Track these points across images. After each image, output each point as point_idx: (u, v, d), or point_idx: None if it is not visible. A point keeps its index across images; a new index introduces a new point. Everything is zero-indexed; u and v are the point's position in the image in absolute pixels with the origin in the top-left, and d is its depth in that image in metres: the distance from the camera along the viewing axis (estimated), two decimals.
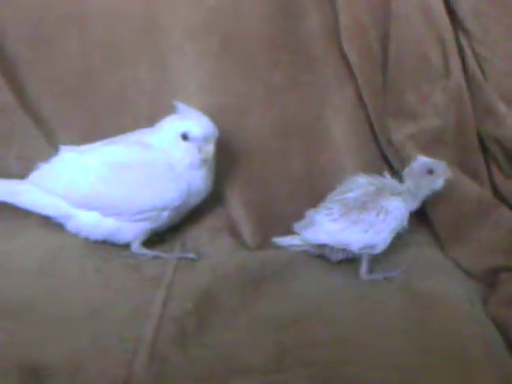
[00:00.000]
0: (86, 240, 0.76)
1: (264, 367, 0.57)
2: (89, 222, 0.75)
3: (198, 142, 0.73)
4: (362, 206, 0.71)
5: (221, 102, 0.83)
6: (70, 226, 0.76)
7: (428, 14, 0.81)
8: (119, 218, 0.74)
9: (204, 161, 0.74)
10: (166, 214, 0.75)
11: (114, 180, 0.73)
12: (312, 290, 0.69)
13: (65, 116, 0.85)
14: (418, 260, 0.75)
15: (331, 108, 0.85)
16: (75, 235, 0.76)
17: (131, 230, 0.75)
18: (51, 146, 0.83)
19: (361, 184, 0.74)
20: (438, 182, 0.72)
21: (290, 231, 0.75)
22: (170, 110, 0.78)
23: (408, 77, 0.82)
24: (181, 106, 0.75)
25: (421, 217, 0.79)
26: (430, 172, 0.72)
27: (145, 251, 0.76)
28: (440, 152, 0.80)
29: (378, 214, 0.71)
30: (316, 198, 0.77)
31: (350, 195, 0.73)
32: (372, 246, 0.71)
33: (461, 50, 0.83)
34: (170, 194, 0.74)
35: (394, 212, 0.71)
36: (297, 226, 0.75)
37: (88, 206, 0.74)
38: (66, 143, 0.80)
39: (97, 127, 0.84)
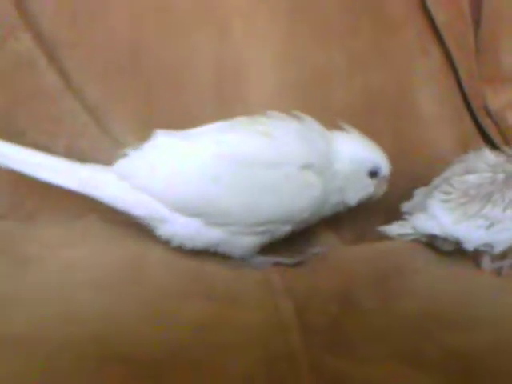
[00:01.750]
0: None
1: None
2: (187, 231, 0.58)
3: (381, 180, 0.64)
4: (487, 197, 0.61)
5: (298, 74, 0.72)
6: (162, 231, 0.59)
7: None
8: (228, 229, 0.58)
9: (369, 198, 0.64)
10: (288, 227, 0.60)
11: (231, 180, 0.56)
12: (442, 285, 0.60)
13: (115, 100, 0.71)
14: None
15: (418, 76, 0.76)
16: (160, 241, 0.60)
17: (241, 244, 0.59)
18: (106, 136, 0.70)
19: (487, 162, 0.63)
20: None
21: (385, 213, 0.67)
22: (238, 84, 0.70)
23: (505, 34, 0.75)
24: (347, 127, 0.63)
25: None
26: None
27: (263, 258, 0.61)
28: None
29: (504, 210, 0.60)
30: (410, 176, 0.70)
31: (473, 178, 0.62)
32: (491, 245, 0.61)
33: None
34: (301, 204, 0.58)
35: None
36: (406, 206, 0.66)
37: (190, 211, 0.58)
38: (119, 132, 0.69)
39: (154, 110, 0.71)
